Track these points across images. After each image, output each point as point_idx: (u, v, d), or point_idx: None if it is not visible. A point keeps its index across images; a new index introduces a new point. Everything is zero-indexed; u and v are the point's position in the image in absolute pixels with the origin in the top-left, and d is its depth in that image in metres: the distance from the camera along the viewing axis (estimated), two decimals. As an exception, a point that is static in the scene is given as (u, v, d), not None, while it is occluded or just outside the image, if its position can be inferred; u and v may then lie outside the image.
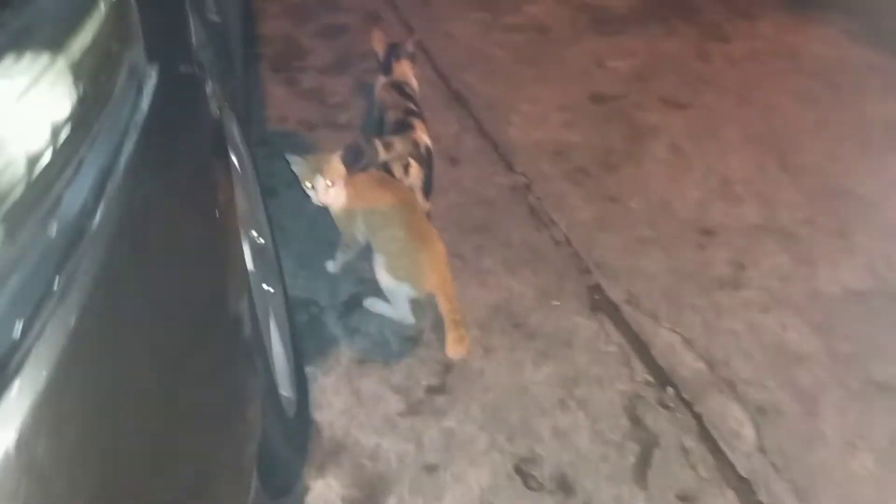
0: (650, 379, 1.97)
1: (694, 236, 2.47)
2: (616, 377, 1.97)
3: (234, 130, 1.53)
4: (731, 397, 1.92)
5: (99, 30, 0.77)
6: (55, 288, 0.62)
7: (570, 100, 3.27)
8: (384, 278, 2.04)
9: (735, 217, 2.58)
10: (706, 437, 1.83)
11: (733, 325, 2.14)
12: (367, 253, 2.38)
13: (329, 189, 2.02)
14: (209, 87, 0.95)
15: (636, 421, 1.86)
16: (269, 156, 2.68)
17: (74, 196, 0.69)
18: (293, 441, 1.59)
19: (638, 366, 2.00)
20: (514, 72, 3.51)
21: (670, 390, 1.94)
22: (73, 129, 0.69)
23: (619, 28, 3.89)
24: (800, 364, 2.04)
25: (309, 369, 2.01)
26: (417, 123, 2.40)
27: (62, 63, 0.68)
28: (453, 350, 1.98)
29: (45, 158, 0.65)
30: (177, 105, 0.86)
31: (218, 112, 0.96)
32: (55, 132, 0.67)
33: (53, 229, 0.65)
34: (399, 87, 2.56)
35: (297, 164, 2.06)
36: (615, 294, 2.23)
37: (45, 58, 0.66)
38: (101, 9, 0.78)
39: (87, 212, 0.68)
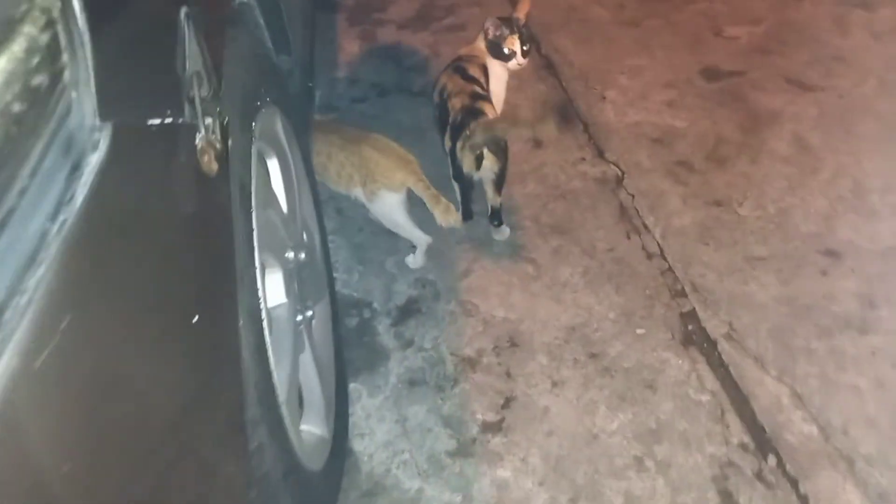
0: (748, 442, 1.65)
1: (816, 258, 2.08)
2: (706, 436, 1.66)
3: (275, 137, 1.28)
4: (846, 476, 1.59)
5: (14, 72, 0.51)
6: None
7: (678, 74, 2.84)
8: (370, 206, 2.03)
9: (868, 236, 2.15)
10: (812, 524, 1.52)
11: (857, 380, 1.77)
12: (428, 253, 2.13)
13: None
14: (202, 138, 0.69)
15: (726, 497, 1.56)
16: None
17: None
18: (321, 493, 1.38)
19: (734, 423, 1.69)
20: (613, 35, 3.09)
21: (772, 460, 1.62)
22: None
23: (743, -13, 3.36)
24: (938, 438, 1.67)
25: (353, 386, 1.80)
26: (488, 108, 2.08)
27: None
28: (445, 220, 1.95)
29: None
30: (139, 178, 0.61)
31: (215, 166, 0.71)
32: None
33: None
34: (461, 70, 2.22)
35: None
36: (713, 326, 1.89)
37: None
38: (23, 40, 0.52)
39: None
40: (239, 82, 1.05)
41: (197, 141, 0.69)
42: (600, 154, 2.48)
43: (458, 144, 2.05)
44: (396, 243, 2.19)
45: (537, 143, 2.54)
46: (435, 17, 3.30)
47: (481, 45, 2.34)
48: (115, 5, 0.62)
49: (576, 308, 1.97)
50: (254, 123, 1.12)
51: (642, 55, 2.95)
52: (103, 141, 0.55)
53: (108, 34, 0.59)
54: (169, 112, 0.65)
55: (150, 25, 0.67)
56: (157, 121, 0.62)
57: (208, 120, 0.73)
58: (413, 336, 1.92)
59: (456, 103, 2.11)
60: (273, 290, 1.25)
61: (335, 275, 2.10)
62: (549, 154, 2.50)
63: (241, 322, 0.84)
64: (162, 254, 0.66)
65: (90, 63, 0.55)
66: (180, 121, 0.66)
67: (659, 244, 2.13)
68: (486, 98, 2.15)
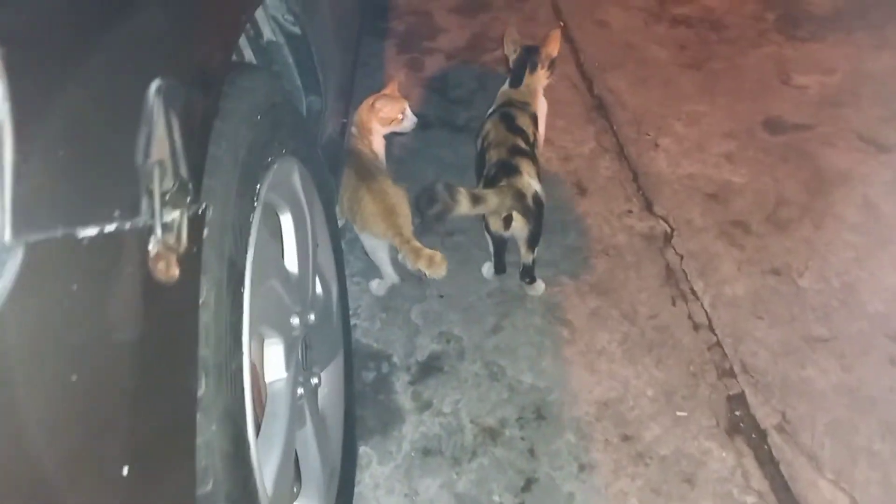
0: (797, 557, 1.46)
1: (883, 343, 1.87)
2: (749, 546, 1.48)
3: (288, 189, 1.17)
4: None
5: None
6: None
7: (739, 123, 2.65)
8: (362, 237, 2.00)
9: (945, 321, 1.94)
10: None
11: (928, 493, 1.56)
12: (456, 304, 2.00)
13: None
14: (158, 242, 0.57)
15: None
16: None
17: None
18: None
19: (782, 533, 1.50)
20: (672, 78, 2.93)
21: (824, 581, 1.43)
22: None
23: (816, 32, 3.16)
24: None
25: (363, 449, 1.68)
26: (525, 165, 1.94)
27: None
28: (430, 271, 1.78)
29: None
30: (58, 310, 0.49)
31: (176, 271, 0.60)
32: None
33: None
34: (509, 119, 2.08)
35: None
36: (764, 415, 1.70)
37: None
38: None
39: None
40: (241, 144, 0.94)
41: (151, 246, 0.58)
42: (649, 207, 2.31)
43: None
44: (423, 290, 2.07)
45: (582, 190, 2.40)
46: (486, 48, 3.19)
47: (537, 84, 2.21)
48: (55, 82, 0.51)
49: (611, 380, 1.80)
50: (259, 185, 1.01)
51: (702, 101, 2.78)
52: (11, 264, 0.44)
53: (40, 121, 0.48)
54: (115, 216, 0.54)
55: (105, 105, 0.56)
56: (92, 231, 0.51)
57: (171, 216, 0.62)
58: (432, 397, 1.79)
59: (493, 155, 1.99)
60: (271, 364, 1.14)
61: (355, 321, 1.99)
62: (593, 203, 2.34)
63: (200, 464, 0.72)
64: (84, 403, 0.53)
65: (7, 161, 0.45)
66: (128, 226, 0.55)
67: (707, 314, 1.95)
68: (527, 154, 1.99)
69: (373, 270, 2.08)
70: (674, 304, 1.99)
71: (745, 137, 2.58)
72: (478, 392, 1.79)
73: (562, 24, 3.30)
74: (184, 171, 0.64)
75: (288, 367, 1.17)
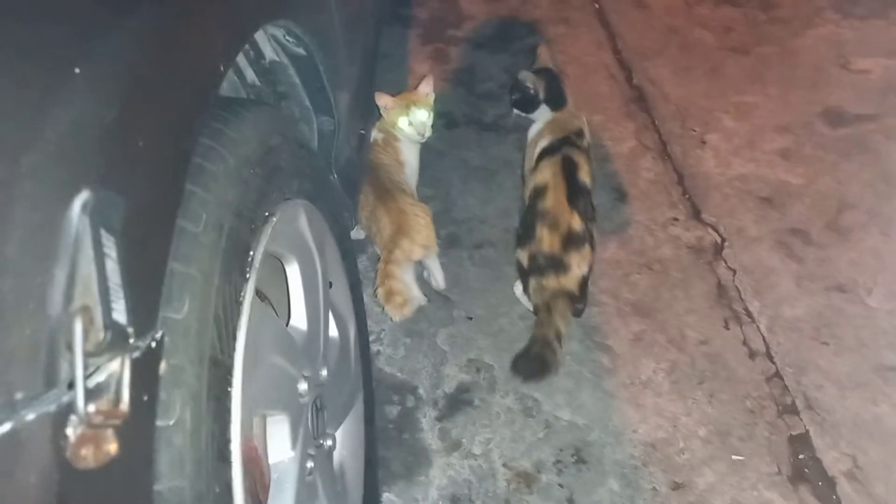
0: None
1: (967, 373, 1.67)
2: None
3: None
4: None
5: None
6: None
7: (794, 116, 2.43)
8: None
9: None
10: None
11: None
12: (485, 328, 1.85)
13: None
14: (78, 423, 0.43)
15: None
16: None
17: None
18: None
19: None
20: (718, 65, 2.70)
21: None
22: None
23: (876, 8, 2.89)
24: None
25: (387, 496, 1.55)
26: (576, 259, 1.74)
27: None
28: (389, 311, 1.71)
29: None
30: None
31: (110, 448, 0.45)
32: None
33: None
34: (570, 169, 1.81)
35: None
36: (832, 460, 1.53)
37: None
38: None
39: None
40: (226, 215, 0.79)
41: (69, 431, 0.44)
42: (696, 214, 2.12)
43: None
44: (451, 312, 1.92)
45: (621, 195, 2.21)
46: (516, 36, 2.98)
47: (580, 121, 1.99)
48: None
49: (658, 417, 1.64)
50: (252, 254, 0.87)
51: (752, 90, 2.55)
52: None
53: None
54: (14, 401, 0.40)
55: (4, 238, 0.41)
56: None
57: (104, 374, 0.48)
58: (461, 436, 1.65)
59: (543, 238, 1.74)
60: (275, 444, 1.01)
61: (378, 347, 1.85)
62: (635, 210, 2.16)
63: None
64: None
65: None
66: (30, 415, 0.40)
67: (765, 339, 1.77)
68: (582, 241, 1.76)
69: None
70: (727, 327, 1.81)
71: (802, 132, 2.36)
72: (511, 430, 1.65)
73: (597, 5, 3.07)
74: (120, 315, 0.49)
75: (294, 444, 1.03)
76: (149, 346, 0.56)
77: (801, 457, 1.54)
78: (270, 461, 1.01)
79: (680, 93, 2.56)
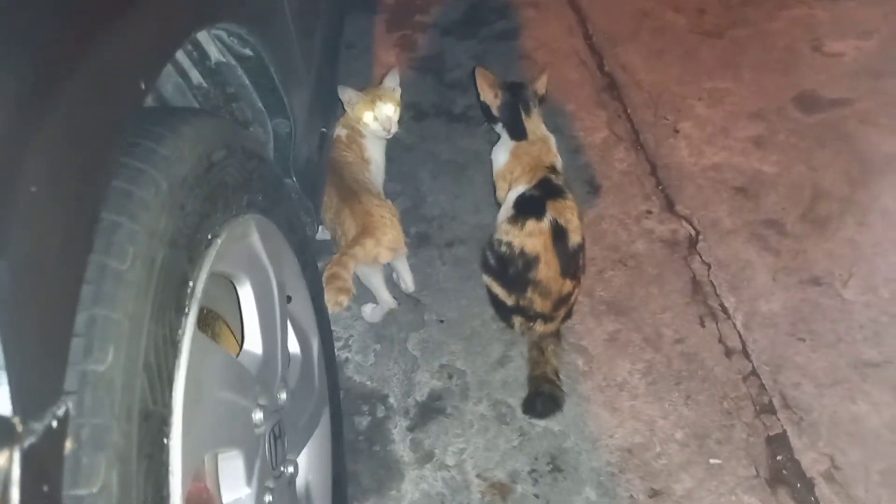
0: None
1: (943, 366, 1.65)
2: None
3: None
4: None
5: None
6: None
7: (768, 101, 2.38)
8: None
9: None
10: None
11: None
12: (457, 331, 1.79)
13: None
14: None
15: None
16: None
17: None
18: None
19: None
20: (691, 49, 2.65)
21: None
22: None
23: (850, -11, 2.84)
24: None
25: (356, 511, 1.49)
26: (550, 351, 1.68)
27: None
28: (327, 299, 1.48)
29: None
30: None
31: None
32: None
33: None
34: (561, 238, 1.64)
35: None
36: (810, 461, 1.50)
37: None
38: None
39: None
40: (156, 247, 0.71)
41: None
42: (670, 206, 2.07)
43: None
44: (422, 315, 1.86)
45: (594, 188, 2.15)
46: (484, 21, 2.90)
47: (538, 126, 1.83)
48: None
49: (634, 421, 1.60)
50: (192, 284, 0.79)
51: (725, 75, 2.50)
52: None
53: None
54: None
55: None
56: None
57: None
58: (434, 447, 1.59)
59: (535, 301, 1.65)
60: (228, 483, 0.94)
61: (347, 354, 1.79)
62: (608, 203, 2.10)
63: None
64: None
65: None
66: None
67: (741, 336, 1.73)
68: (573, 294, 1.71)
69: (365, 293, 1.86)
70: (702, 324, 1.77)
71: (776, 118, 2.32)
72: (485, 439, 1.60)
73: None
74: (5, 405, 0.42)
75: (250, 480, 0.96)
76: (48, 428, 0.49)
77: (778, 458, 1.51)
78: (224, 501, 0.95)
79: (652, 79, 2.51)
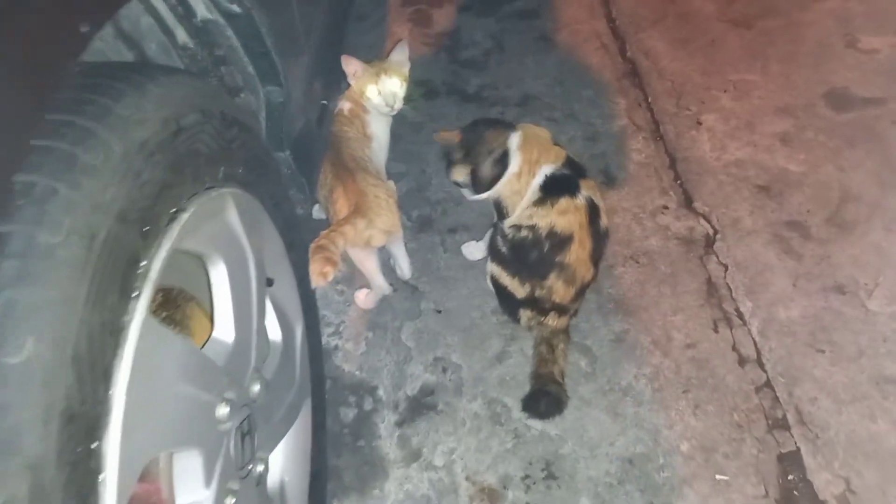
0: None
1: (972, 388, 1.54)
2: None
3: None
4: None
5: None
6: None
7: (797, 97, 2.26)
8: None
9: None
10: None
11: None
12: (455, 322, 1.69)
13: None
14: None
15: None
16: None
17: None
18: None
19: None
20: (718, 38, 2.51)
21: None
22: None
23: (889, -18, 2.69)
24: None
25: (337, 510, 1.41)
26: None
27: None
28: (311, 274, 1.33)
29: None
30: None
31: None
32: None
33: None
34: (594, 213, 1.54)
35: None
36: (824, 482, 1.40)
37: None
38: None
39: None
40: (99, 223, 0.61)
41: None
42: (688, 202, 1.96)
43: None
44: (418, 304, 1.77)
45: (609, 179, 2.04)
46: (502, -1, 2.77)
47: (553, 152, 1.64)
48: None
49: (637, 429, 1.50)
50: (145, 263, 0.69)
51: (752, 68, 2.37)
52: None
53: None
54: None
55: None
56: None
57: None
58: (422, 445, 1.50)
59: (556, 289, 1.54)
60: (183, 484, 0.85)
61: (336, 342, 1.70)
62: (622, 195, 1.99)
63: None
64: None
65: None
66: None
67: (756, 344, 1.63)
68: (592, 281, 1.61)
69: (359, 277, 1.76)
70: (716, 329, 1.67)
71: (804, 115, 2.19)
72: (477, 439, 1.50)
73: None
74: None
75: (209, 481, 0.87)
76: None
77: (790, 478, 1.41)
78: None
79: (676, 67, 2.38)
